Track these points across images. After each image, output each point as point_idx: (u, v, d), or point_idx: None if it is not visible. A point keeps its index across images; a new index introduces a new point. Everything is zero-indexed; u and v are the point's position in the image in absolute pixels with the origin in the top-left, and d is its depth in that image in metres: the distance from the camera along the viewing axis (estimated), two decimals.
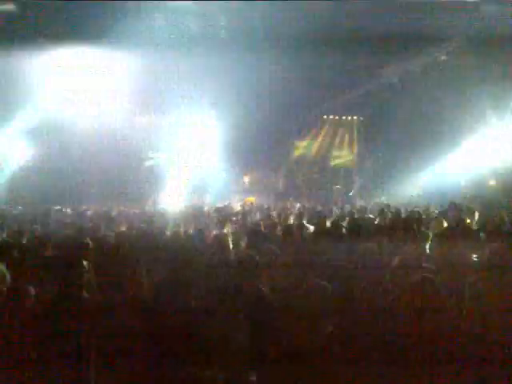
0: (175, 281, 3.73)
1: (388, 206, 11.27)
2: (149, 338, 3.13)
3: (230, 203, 13.78)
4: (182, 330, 3.06)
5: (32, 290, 3.50)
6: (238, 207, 12.85)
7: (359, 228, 6.81)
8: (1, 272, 3.70)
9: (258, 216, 10.52)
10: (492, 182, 17.55)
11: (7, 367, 3.03)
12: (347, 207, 12.94)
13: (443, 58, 14.12)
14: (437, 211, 10.01)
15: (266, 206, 12.36)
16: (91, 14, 10.76)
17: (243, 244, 6.14)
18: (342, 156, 21.33)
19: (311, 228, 7.34)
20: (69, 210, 11.06)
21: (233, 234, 6.93)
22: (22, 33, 11.64)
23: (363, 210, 11.02)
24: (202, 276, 4.01)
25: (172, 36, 11.88)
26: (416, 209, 10.23)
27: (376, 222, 8.46)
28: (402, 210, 9.96)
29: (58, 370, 3.03)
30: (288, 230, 6.75)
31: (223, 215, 9.61)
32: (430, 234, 5.92)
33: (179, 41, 12.06)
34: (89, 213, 10.21)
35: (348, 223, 7.79)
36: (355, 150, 21.07)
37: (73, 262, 3.64)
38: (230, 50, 12.22)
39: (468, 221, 7.78)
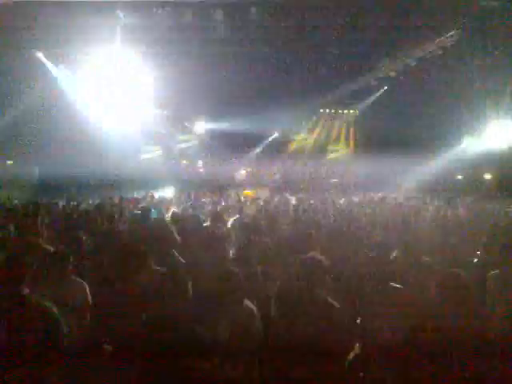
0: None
1: (384, 198, 11.31)
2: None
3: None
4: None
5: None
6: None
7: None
8: None
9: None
10: (488, 176, 17.67)
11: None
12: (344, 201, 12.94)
13: (440, 52, 14.04)
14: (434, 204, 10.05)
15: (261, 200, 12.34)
16: None
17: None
18: (339, 150, 21.35)
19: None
20: None
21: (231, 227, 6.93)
22: None
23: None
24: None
25: None
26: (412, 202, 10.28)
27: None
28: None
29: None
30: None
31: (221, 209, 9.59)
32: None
33: None
34: None
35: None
36: (352, 143, 21.10)
37: None
38: (225, 45, 12.18)
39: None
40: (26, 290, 2.82)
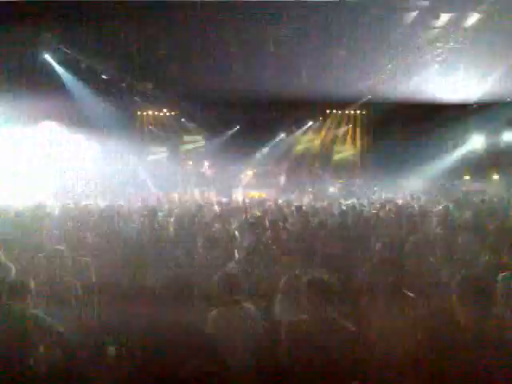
0: None
1: (390, 200, 11.23)
2: None
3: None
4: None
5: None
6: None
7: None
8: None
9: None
10: (496, 177, 17.53)
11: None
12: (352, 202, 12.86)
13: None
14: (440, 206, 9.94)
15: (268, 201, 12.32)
16: None
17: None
18: (346, 151, 21.28)
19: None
20: None
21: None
22: None
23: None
24: None
25: None
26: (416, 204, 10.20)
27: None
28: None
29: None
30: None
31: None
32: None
33: None
34: None
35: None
36: (358, 144, 21.02)
37: None
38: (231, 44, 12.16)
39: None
40: None
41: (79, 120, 15.14)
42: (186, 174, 19.53)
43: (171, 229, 7.39)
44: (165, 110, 20.00)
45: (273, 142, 20.52)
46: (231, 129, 19.98)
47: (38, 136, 15.37)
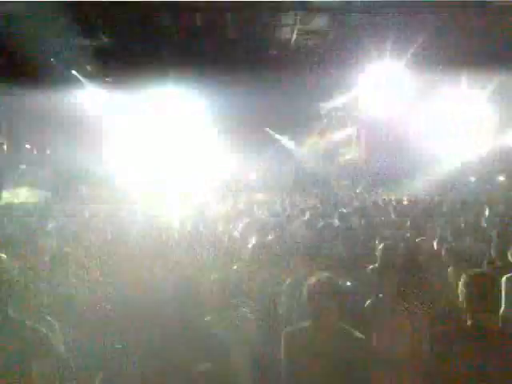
0: None
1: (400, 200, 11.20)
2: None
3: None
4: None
5: None
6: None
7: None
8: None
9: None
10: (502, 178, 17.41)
11: None
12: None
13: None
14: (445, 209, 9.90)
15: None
16: None
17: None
18: (350, 152, 21.23)
19: None
20: None
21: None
22: None
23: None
24: None
25: None
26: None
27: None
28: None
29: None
30: None
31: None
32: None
33: None
34: None
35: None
36: (363, 145, 20.95)
37: None
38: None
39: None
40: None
41: None
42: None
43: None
44: None
45: (278, 144, 20.52)
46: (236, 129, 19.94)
47: None
